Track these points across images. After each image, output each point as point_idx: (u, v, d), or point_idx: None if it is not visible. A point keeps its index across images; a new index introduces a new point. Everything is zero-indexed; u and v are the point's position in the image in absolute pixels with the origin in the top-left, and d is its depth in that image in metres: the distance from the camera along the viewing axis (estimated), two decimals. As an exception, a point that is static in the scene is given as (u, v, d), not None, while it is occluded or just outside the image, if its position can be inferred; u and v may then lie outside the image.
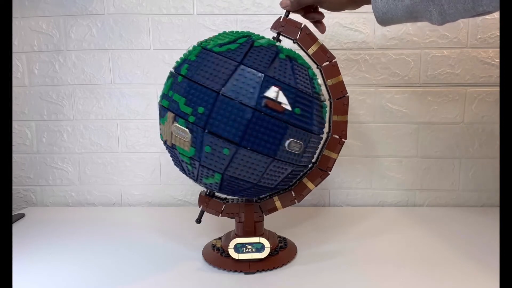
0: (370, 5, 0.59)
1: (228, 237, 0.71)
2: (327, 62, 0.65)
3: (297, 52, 0.65)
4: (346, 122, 0.66)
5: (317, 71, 0.67)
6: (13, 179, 1.03)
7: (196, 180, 0.62)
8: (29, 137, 1.01)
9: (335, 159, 0.67)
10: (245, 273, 0.64)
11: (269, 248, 0.66)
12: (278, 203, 0.68)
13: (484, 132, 0.96)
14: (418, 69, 0.95)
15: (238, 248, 0.66)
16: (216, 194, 0.69)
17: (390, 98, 0.96)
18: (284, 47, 0.61)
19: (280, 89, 0.56)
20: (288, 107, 0.56)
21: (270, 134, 0.55)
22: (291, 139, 0.57)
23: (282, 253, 0.69)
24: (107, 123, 0.99)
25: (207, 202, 0.69)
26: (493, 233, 0.80)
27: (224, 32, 0.64)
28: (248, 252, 0.65)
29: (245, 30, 0.93)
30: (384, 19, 0.59)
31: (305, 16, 0.69)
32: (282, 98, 0.56)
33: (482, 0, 0.50)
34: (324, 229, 0.83)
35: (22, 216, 0.92)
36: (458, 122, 0.96)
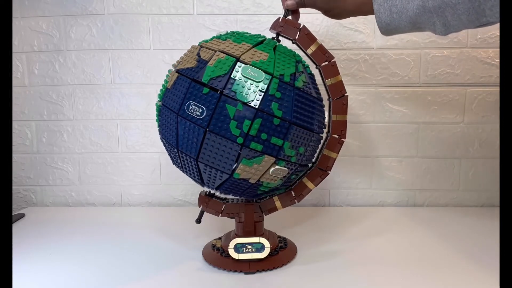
0: (374, 15, 0.59)
1: (228, 237, 0.71)
2: (326, 62, 0.65)
3: (296, 52, 0.66)
4: (345, 121, 0.66)
5: (316, 71, 0.67)
6: (13, 179, 1.03)
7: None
8: (29, 137, 1.01)
9: (335, 159, 0.67)
10: (245, 273, 0.64)
11: (269, 248, 0.66)
12: (278, 203, 0.68)
13: (484, 132, 0.96)
14: (418, 69, 0.95)
15: (238, 248, 0.66)
16: (216, 194, 0.69)
17: (390, 98, 0.96)
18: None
19: None
20: None
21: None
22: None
23: (282, 253, 0.69)
24: (107, 123, 1.00)
25: (207, 202, 0.69)
26: (493, 233, 0.80)
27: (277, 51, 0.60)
28: (248, 252, 0.65)
29: (245, 30, 0.94)
30: (387, 30, 0.59)
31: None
32: None
33: (486, 11, 0.50)
34: (324, 229, 0.83)
35: (22, 216, 0.92)
36: (458, 122, 0.96)
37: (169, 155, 0.65)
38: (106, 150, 1.01)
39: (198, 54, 0.60)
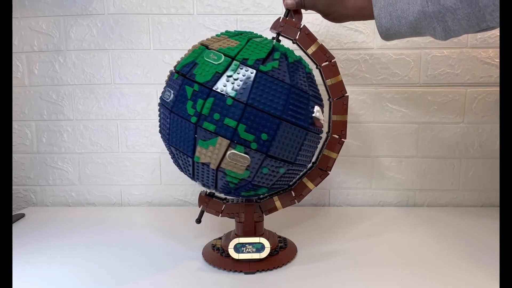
0: (374, 20, 0.59)
1: (228, 237, 0.71)
2: (327, 62, 0.65)
3: (296, 52, 0.66)
4: (345, 122, 0.66)
5: (316, 71, 0.67)
6: (13, 179, 1.03)
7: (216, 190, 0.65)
8: (29, 137, 1.01)
9: (335, 159, 0.67)
10: (245, 273, 0.64)
11: (269, 248, 0.66)
12: (278, 203, 0.68)
13: (484, 132, 0.96)
14: (418, 69, 0.95)
15: (238, 248, 0.66)
16: (216, 194, 0.69)
17: (390, 98, 0.96)
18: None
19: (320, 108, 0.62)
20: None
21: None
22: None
23: (282, 253, 0.69)
24: (107, 123, 1.00)
25: (207, 202, 0.69)
26: (493, 233, 0.80)
27: (250, 39, 0.61)
28: (248, 252, 0.65)
29: (245, 30, 0.94)
30: (387, 35, 0.60)
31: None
32: (321, 115, 0.62)
33: (486, 16, 0.50)
34: (324, 229, 0.83)
35: (22, 216, 0.92)
36: (458, 122, 0.96)
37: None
38: (106, 150, 1.01)
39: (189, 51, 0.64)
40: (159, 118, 0.65)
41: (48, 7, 0.96)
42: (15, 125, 1.01)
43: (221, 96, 0.56)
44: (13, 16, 0.96)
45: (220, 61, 0.57)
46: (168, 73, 0.64)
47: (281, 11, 0.93)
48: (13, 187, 1.03)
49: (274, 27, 0.66)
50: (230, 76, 0.57)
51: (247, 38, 0.61)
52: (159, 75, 0.97)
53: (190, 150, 0.58)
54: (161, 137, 0.65)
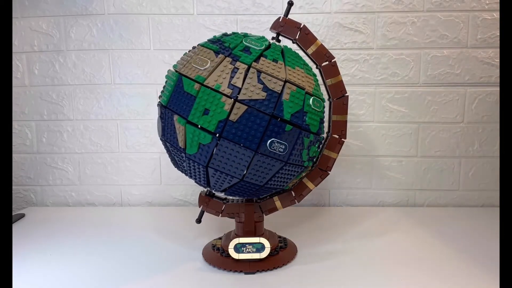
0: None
1: (228, 237, 0.71)
2: (326, 62, 0.65)
3: (296, 52, 0.66)
4: (345, 121, 0.66)
5: (316, 71, 0.67)
6: (13, 179, 1.03)
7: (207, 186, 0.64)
8: (29, 137, 1.01)
9: (335, 159, 0.67)
10: (245, 273, 0.64)
11: (269, 248, 0.66)
12: (278, 203, 0.68)
13: (484, 132, 0.96)
14: (418, 69, 0.95)
15: (238, 248, 0.66)
16: (216, 194, 0.69)
17: (390, 98, 0.96)
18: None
19: None
20: None
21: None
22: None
23: (282, 253, 0.69)
24: (107, 123, 1.00)
25: (207, 202, 0.69)
26: (493, 233, 0.80)
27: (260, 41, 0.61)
28: (248, 252, 0.65)
29: (245, 30, 0.94)
30: None
31: None
32: None
33: None
34: (324, 229, 0.83)
35: (22, 216, 0.92)
36: (458, 122, 0.96)
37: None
38: (106, 150, 1.01)
39: (261, 82, 0.56)
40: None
41: (48, 7, 0.96)
42: (15, 125, 1.01)
43: (321, 138, 0.64)
44: (13, 16, 0.96)
45: (321, 109, 0.62)
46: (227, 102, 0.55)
47: (281, 11, 0.93)
48: (13, 187, 1.03)
49: (274, 27, 0.66)
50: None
51: (297, 65, 0.61)
52: (159, 75, 0.97)
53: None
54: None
